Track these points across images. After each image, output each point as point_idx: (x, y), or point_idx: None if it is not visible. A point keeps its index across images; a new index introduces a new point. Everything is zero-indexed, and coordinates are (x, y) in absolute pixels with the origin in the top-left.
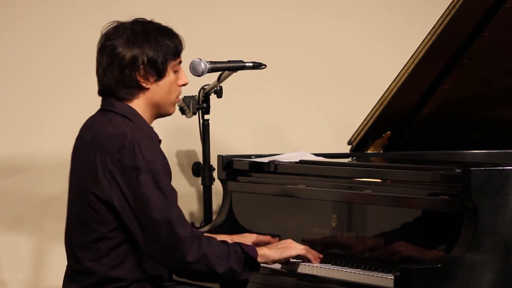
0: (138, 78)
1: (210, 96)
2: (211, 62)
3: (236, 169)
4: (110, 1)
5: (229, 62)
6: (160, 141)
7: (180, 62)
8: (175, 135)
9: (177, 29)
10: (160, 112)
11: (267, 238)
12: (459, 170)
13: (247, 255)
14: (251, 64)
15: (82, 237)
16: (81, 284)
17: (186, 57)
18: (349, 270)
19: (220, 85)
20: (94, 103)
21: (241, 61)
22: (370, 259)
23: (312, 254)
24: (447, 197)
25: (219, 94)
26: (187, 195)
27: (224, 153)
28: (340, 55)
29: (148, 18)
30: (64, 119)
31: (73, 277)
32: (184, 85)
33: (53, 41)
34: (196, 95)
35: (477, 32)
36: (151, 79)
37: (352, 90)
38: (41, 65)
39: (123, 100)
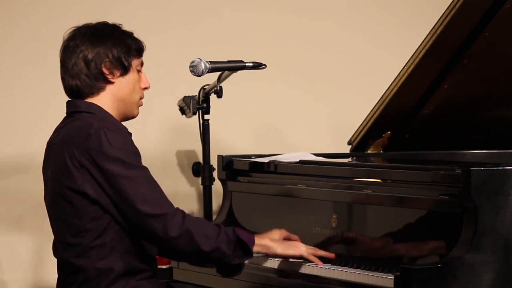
0: (104, 70)
1: (210, 96)
2: (211, 62)
3: (236, 169)
4: (109, 1)
5: (229, 62)
6: (130, 133)
7: (142, 64)
8: (175, 135)
9: (177, 30)
10: (125, 111)
11: (295, 237)
12: (459, 170)
13: (239, 239)
14: (251, 64)
15: (63, 235)
16: (74, 285)
17: (187, 57)
18: (349, 270)
19: (220, 85)
20: None
21: (241, 61)
22: (370, 259)
23: (315, 258)
24: (447, 197)
25: (219, 94)
26: (187, 195)
27: (224, 153)
28: (340, 55)
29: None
30: None
31: (65, 281)
32: (145, 88)
33: (53, 41)
34: (196, 95)
35: (477, 32)
36: (117, 73)
37: (352, 90)
38: (41, 65)
39: (88, 95)
